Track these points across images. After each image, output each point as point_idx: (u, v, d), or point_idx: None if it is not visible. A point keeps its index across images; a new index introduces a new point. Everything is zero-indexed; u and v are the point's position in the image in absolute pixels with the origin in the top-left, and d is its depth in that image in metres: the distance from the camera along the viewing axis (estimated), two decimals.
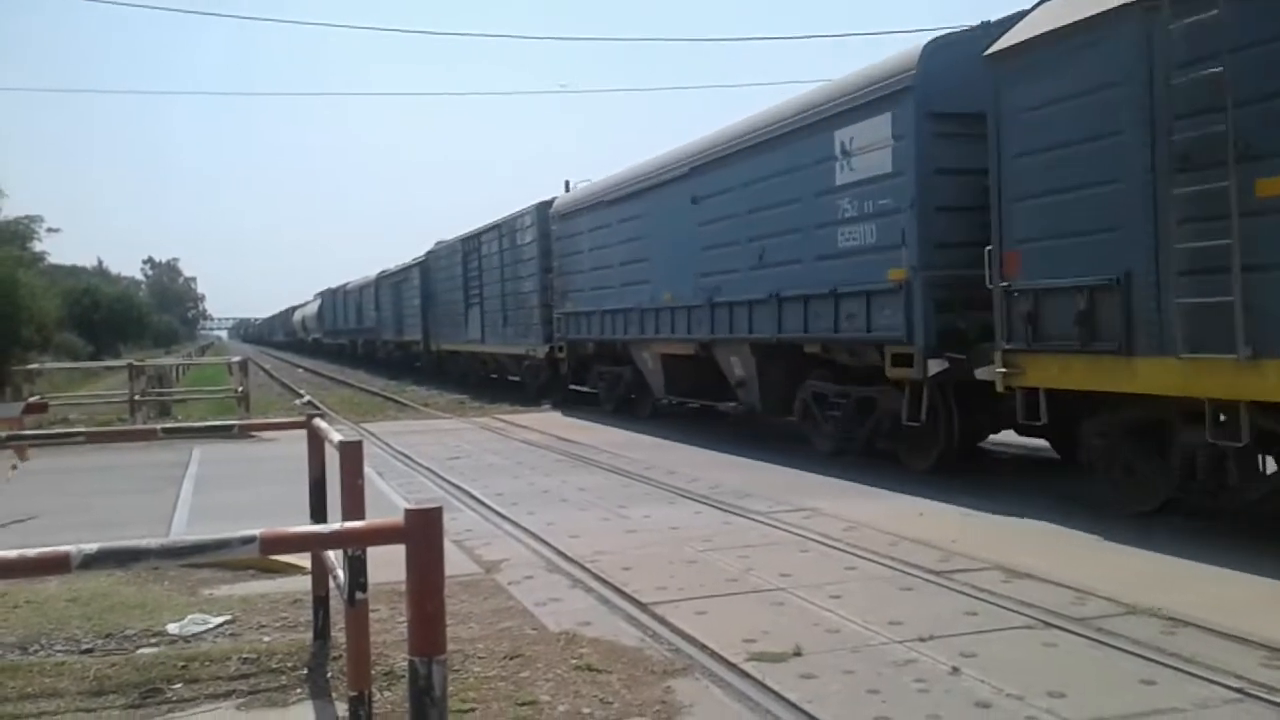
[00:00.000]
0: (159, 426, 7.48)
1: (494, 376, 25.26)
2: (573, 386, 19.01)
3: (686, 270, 13.30)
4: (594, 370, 18.12)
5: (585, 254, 17.27)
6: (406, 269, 33.32)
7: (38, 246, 37.00)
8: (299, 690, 4.33)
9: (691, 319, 13.24)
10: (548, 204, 19.40)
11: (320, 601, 4.88)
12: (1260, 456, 6.71)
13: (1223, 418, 6.38)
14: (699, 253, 12.98)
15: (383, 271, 38.28)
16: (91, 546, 2.10)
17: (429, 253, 29.72)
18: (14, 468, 7.15)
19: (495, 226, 22.75)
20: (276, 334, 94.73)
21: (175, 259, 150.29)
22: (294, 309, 76.48)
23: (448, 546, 5.44)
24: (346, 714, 3.78)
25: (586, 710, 4.02)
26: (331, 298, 53.15)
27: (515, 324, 21.27)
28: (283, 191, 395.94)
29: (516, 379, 22.96)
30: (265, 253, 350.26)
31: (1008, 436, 10.25)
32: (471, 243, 24.96)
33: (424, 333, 30.35)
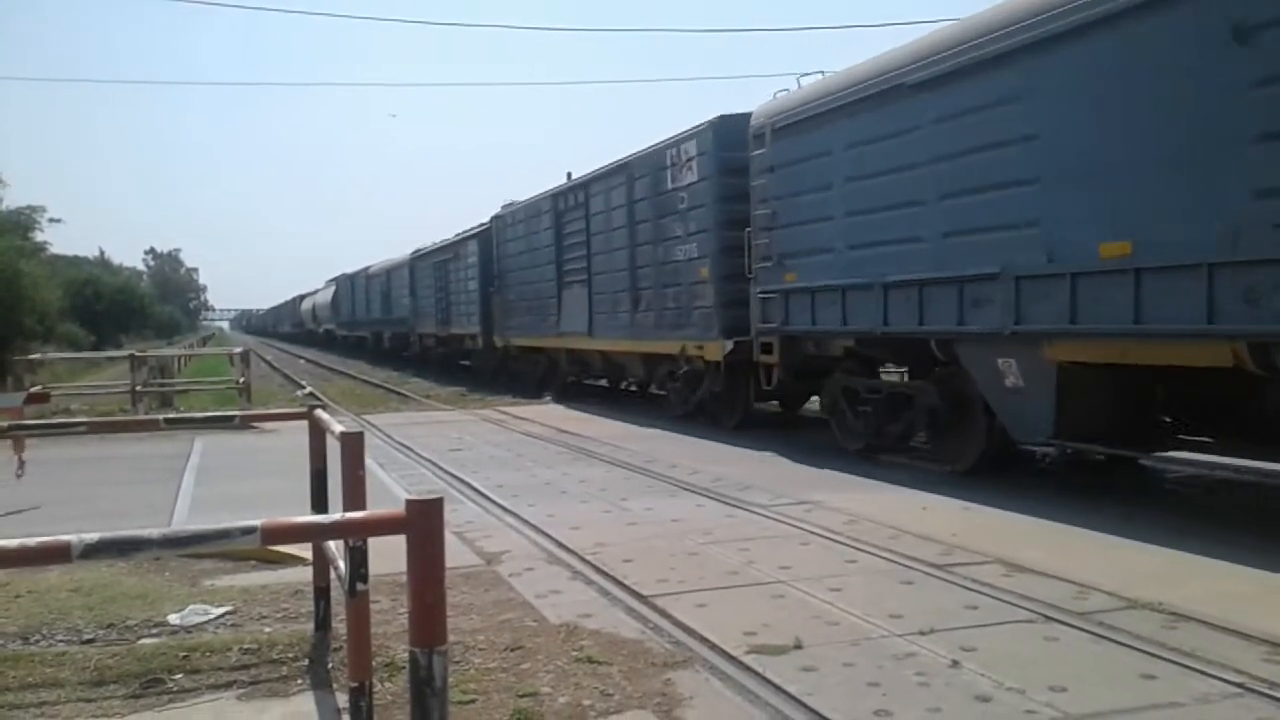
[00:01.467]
0: (161, 417, 7.46)
1: (603, 384, 19.66)
2: (761, 404, 13.38)
3: (1194, 186, 6.65)
4: (832, 384, 11.13)
5: (836, 190, 10.20)
6: (458, 243, 26.30)
7: (39, 237, 37.04)
8: (300, 681, 4.33)
9: (1218, 291, 6.49)
10: (737, 119, 12.37)
11: (321, 592, 4.88)
12: None
13: None
14: (1249, 148, 6.32)
15: (419, 250, 31.41)
16: (92, 536, 2.10)
17: (495, 218, 22.87)
18: (21, 464, 7.17)
19: (621, 167, 15.77)
20: (282, 325, 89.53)
21: (177, 249, 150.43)
22: (302, 297, 69.39)
23: (449, 538, 5.42)
24: (347, 705, 3.78)
25: (587, 702, 4.02)
26: (349, 283, 46.14)
27: (661, 308, 14.44)
28: (286, 183, 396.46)
29: (654, 392, 16.66)
30: (268, 244, 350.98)
31: None
32: (570, 197, 18.02)
33: (484, 324, 23.54)
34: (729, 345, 12.57)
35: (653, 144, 14.77)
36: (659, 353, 14.91)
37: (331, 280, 53.87)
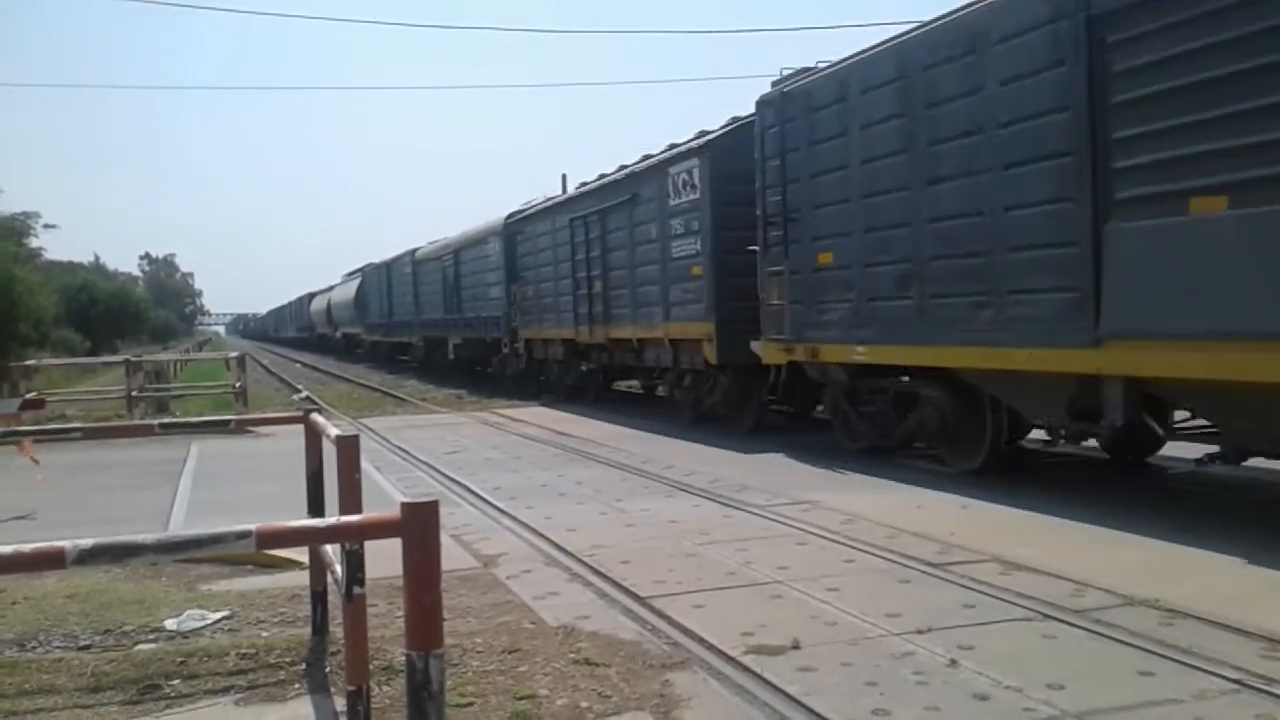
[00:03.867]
0: (156, 422, 7.47)
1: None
2: None
3: None
4: None
5: None
6: (640, 174, 14.74)
7: (34, 242, 37.04)
8: (297, 685, 4.32)
9: None
10: None
11: (318, 596, 4.87)
12: None
13: None
14: None
15: (521, 209, 20.93)
16: (87, 542, 2.09)
17: (765, 103, 11.20)
18: (38, 463, 7.17)
19: None
20: (286, 329, 78.18)
21: (172, 254, 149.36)
22: (311, 296, 59.06)
23: (446, 541, 5.39)
24: (345, 709, 3.78)
25: (585, 704, 4.02)
26: (382, 274, 35.17)
27: None
28: (281, 186, 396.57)
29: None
30: (264, 248, 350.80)
31: None
32: None
33: (717, 317, 12.52)
34: None
35: None
36: None
37: (354, 272, 43.10)
